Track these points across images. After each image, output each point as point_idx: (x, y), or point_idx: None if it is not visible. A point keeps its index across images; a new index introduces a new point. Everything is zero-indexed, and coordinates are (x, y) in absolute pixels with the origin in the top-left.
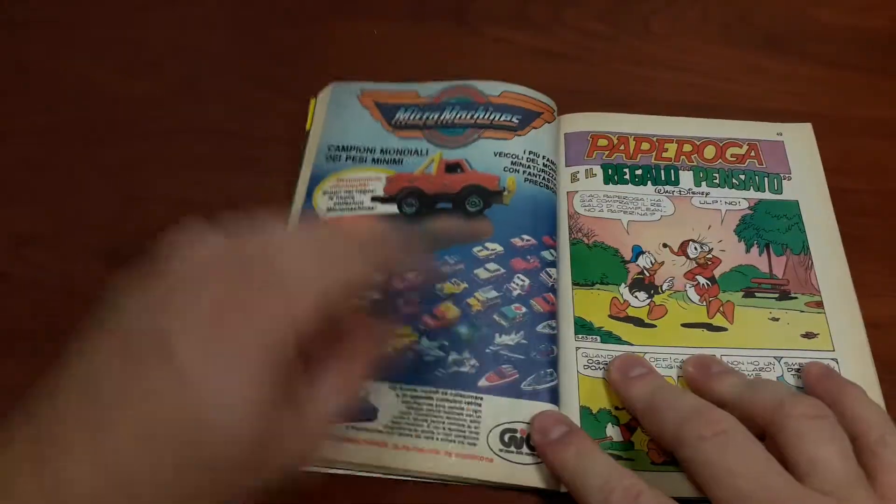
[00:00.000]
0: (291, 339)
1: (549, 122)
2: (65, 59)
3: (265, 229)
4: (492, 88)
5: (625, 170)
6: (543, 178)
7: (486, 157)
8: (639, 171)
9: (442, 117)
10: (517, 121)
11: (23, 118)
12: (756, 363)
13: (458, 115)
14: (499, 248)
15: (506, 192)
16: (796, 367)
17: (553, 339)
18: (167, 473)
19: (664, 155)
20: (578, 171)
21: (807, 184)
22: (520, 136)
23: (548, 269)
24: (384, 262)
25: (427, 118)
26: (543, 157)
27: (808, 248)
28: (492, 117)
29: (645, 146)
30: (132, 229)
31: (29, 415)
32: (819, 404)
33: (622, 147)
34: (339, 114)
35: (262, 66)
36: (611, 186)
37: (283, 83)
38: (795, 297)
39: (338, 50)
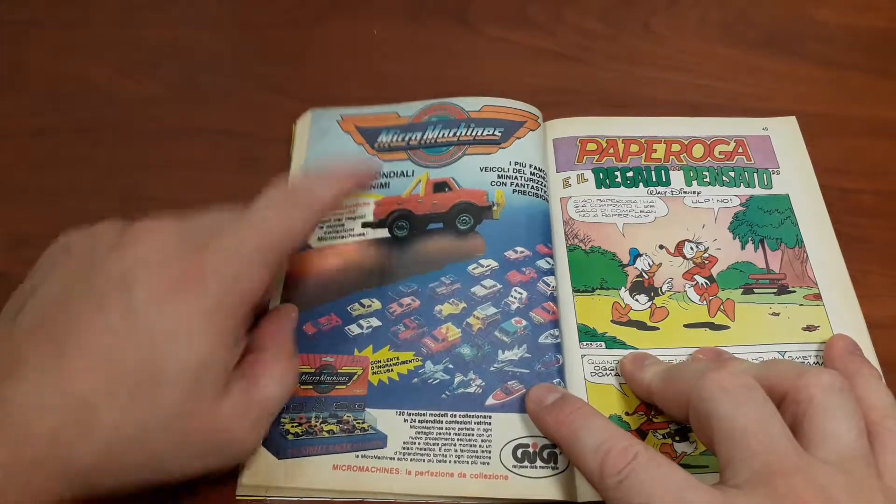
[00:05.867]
0: (243, 295)
1: (533, 130)
2: (64, 59)
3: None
4: (472, 104)
5: (616, 172)
6: (532, 187)
7: (472, 173)
8: (630, 174)
9: (425, 137)
10: (500, 133)
11: (23, 118)
12: (760, 359)
13: (441, 134)
14: (493, 263)
15: (495, 207)
16: (800, 361)
17: (557, 348)
18: (122, 399)
19: (653, 156)
20: (570, 177)
21: (795, 177)
22: (504, 148)
23: (545, 278)
24: (320, 207)
25: (410, 139)
26: (530, 166)
27: (802, 241)
28: (474, 133)
29: (634, 148)
30: None
31: None
32: (840, 377)
33: (611, 150)
34: (320, 140)
35: (261, 66)
36: (603, 190)
37: (283, 83)
38: (794, 291)
39: (338, 50)
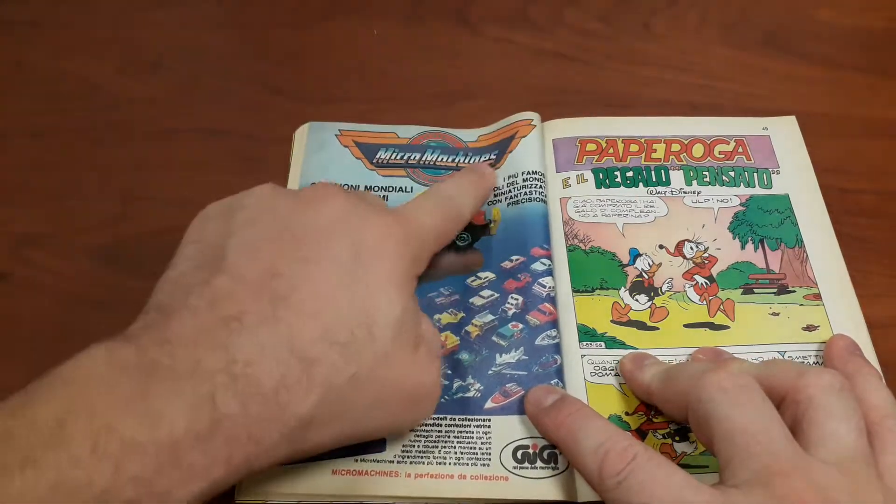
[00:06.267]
0: (418, 262)
1: (525, 136)
2: (65, 59)
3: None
4: (468, 135)
5: (615, 172)
6: (525, 194)
7: None
8: (629, 174)
9: (424, 158)
10: (494, 157)
11: (23, 118)
12: (760, 359)
13: (439, 158)
14: (491, 275)
15: (492, 224)
16: (800, 361)
17: (555, 349)
18: (337, 349)
19: (653, 156)
20: (569, 178)
21: (795, 177)
22: (498, 169)
23: (540, 280)
24: (474, 205)
25: (409, 158)
26: (523, 174)
27: (802, 241)
28: (471, 161)
29: (634, 148)
30: (132, 229)
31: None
32: (840, 377)
33: (611, 150)
34: (318, 152)
35: (262, 67)
36: (603, 190)
37: (283, 83)
38: (793, 291)
39: (338, 50)
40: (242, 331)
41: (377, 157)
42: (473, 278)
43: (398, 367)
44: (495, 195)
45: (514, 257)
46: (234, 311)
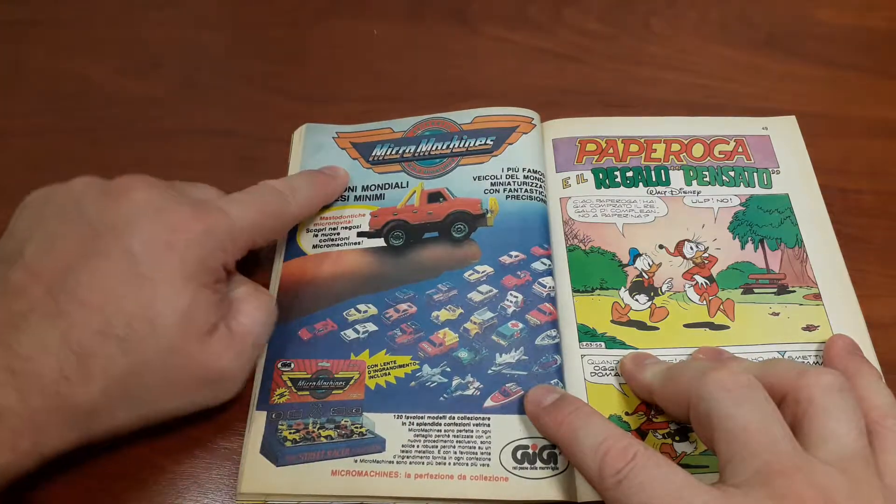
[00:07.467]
0: (219, 253)
1: (526, 133)
2: (64, 59)
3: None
4: (464, 117)
5: (615, 172)
6: (526, 191)
7: (465, 182)
8: (629, 174)
9: (418, 149)
10: (491, 142)
11: (23, 118)
12: (760, 359)
13: (434, 147)
14: (489, 269)
15: (489, 214)
16: (800, 360)
17: (555, 349)
18: (115, 342)
19: (653, 156)
20: (569, 178)
21: (795, 176)
22: (496, 156)
23: (541, 280)
24: (307, 202)
25: (404, 151)
26: (524, 170)
27: (802, 241)
28: (467, 144)
29: (634, 148)
30: None
31: None
32: (840, 377)
33: (611, 150)
34: (316, 153)
35: (262, 66)
36: (603, 190)
37: (283, 83)
38: (793, 291)
39: (338, 50)
40: (27, 327)
41: (373, 154)
42: (471, 272)
43: (185, 355)
44: (493, 185)
45: (513, 253)
46: (24, 307)
